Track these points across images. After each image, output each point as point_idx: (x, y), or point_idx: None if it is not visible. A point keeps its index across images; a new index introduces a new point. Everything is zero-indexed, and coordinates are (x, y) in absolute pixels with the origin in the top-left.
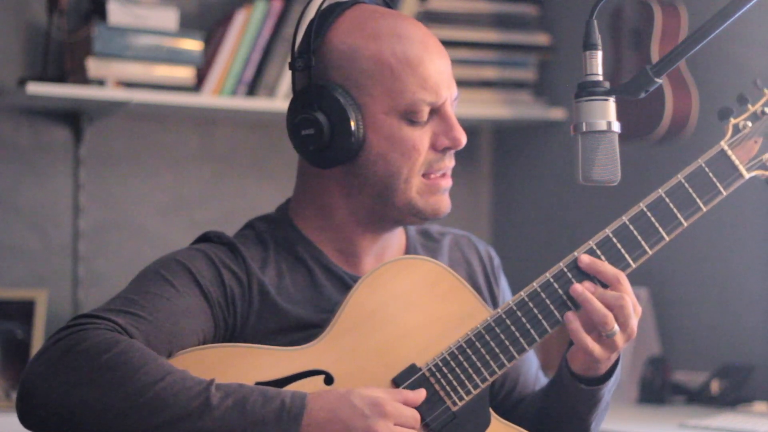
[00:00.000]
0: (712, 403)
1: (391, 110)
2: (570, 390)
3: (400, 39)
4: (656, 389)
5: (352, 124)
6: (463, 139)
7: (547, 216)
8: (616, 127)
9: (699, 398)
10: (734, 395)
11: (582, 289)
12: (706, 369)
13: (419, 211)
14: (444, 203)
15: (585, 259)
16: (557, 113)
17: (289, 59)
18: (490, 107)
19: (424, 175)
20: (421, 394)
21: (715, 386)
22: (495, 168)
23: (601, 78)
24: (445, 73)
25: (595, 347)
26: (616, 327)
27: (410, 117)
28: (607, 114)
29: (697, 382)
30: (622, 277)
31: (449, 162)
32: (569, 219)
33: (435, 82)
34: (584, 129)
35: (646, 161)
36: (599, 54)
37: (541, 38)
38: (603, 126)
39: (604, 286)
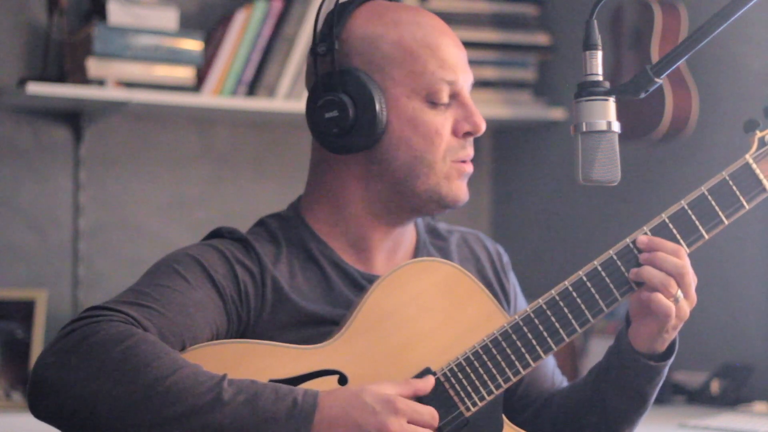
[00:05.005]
0: (712, 403)
1: (413, 93)
2: (635, 370)
3: (419, 26)
4: None
5: (377, 105)
6: (483, 125)
7: (547, 216)
8: (616, 127)
9: (699, 398)
10: (734, 395)
11: (647, 254)
12: (706, 369)
13: (441, 197)
14: (463, 190)
15: (644, 238)
16: (557, 113)
17: (288, 59)
18: (490, 107)
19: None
20: (429, 382)
21: (715, 386)
22: (495, 168)
23: (601, 78)
24: (462, 61)
25: (671, 308)
26: (680, 292)
27: (431, 98)
28: (607, 114)
29: (697, 382)
30: (681, 251)
31: (470, 149)
32: (569, 219)
33: (454, 63)
34: (584, 129)
35: (646, 161)
36: (599, 54)
37: (541, 38)
38: (603, 126)
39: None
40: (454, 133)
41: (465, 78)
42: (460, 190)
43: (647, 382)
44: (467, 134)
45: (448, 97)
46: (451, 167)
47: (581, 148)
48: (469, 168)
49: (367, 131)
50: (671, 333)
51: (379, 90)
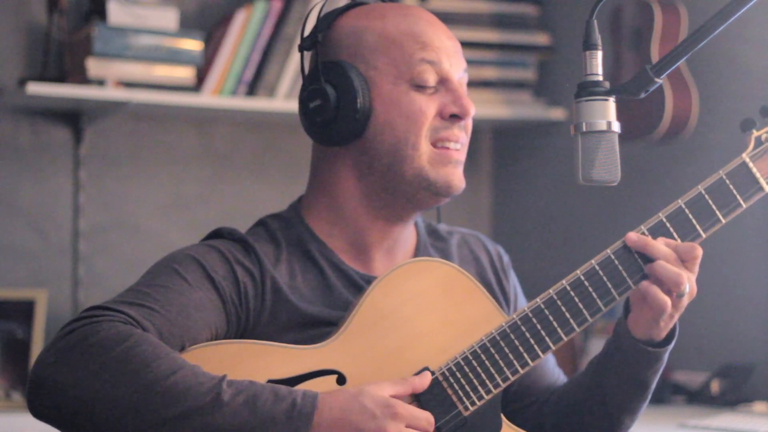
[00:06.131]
0: (712, 403)
1: (397, 79)
2: (634, 357)
3: (405, 17)
4: (656, 389)
5: (358, 90)
6: (471, 109)
7: (547, 216)
8: (616, 127)
9: (699, 398)
10: (734, 395)
11: (660, 250)
12: (706, 369)
13: (430, 182)
14: (456, 177)
15: (633, 237)
16: (557, 113)
17: (288, 59)
18: (490, 107)
19: (433, 145)
20: (425, 378)
21: (715, 386)
22: (495, 168)
23: (601, 78)
24: (450, 47)
25: (667, 302)
26: (688, 286)
27: (415, 81)
28: (607, 114)
29: (697, 382)
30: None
31: (458, 132)
32: (569, 219)
33: (437, 46)
34: (584, 129)
35: (646, 161)
36: (599, 54)
37: (541, 38)
38: (603, 126)
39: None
40: (441, 115)
41: (452, 63)
42: (451, 176)
43: (647, 368)
44: (454, 117)
45: (434, 80)
46: (434, 152)
47: (581, 148)
48: (456, 155)
49: (350, 117)
50: (668, 322)
51: (362, 77)
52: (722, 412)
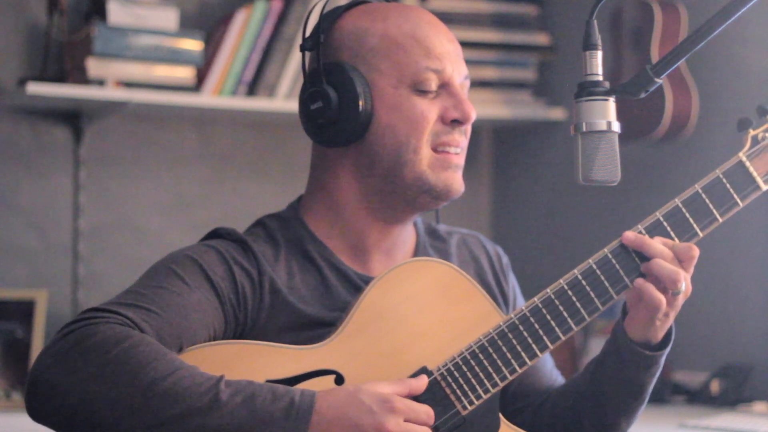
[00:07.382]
0: (712, 403)
1: (399, 83)
2: (630, 359)
3: (407, 19)
4: (656, 389)
5: (360, 93)
6: (472, 113)
7: (547, 216)
8: (616, 127)
9: (699, 398)
10: (734, 395)
11: (656, 248)
12: (706, 369)
13: (431, 186)
14: (456, 181)
15: (630, 235)
16: (557, 113)
17: (288, 59)
18: (490, 107)
19: (434, 150)
20: (422, 381)
21: (715, 386)
22: (495, 168)
23: (601, 78)
24: (452, 52)
25: (662, 300)
26: (684, 285)
27: (418, 87)
28: (607, 114)
29: (697, 382)
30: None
31: (459, 137)
32: (569, 219)
33: (440, 53)
34: (584, 129)
35: (646, 161)
36: (599, 54)
37: (541, 38)
38: (603, 126)
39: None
40: (442, 120)
41: (455, 68)
42: (450, 180)
43: (643, 371)
44: (455, 122)
45: (436, 85)
46: (434, 157)
47: (581, 148)
48: (456, 159)
49: (352, 120)
50: (664, 321)
51: (363, 80)
52: (722, 412)
